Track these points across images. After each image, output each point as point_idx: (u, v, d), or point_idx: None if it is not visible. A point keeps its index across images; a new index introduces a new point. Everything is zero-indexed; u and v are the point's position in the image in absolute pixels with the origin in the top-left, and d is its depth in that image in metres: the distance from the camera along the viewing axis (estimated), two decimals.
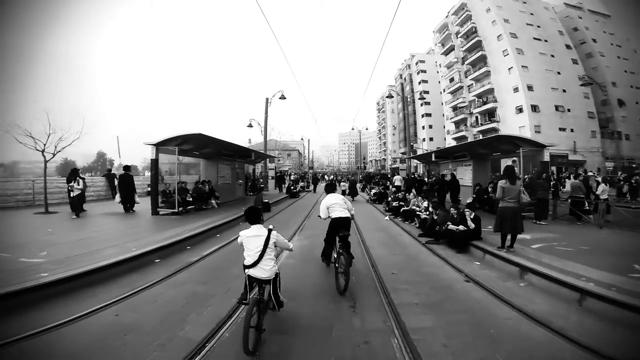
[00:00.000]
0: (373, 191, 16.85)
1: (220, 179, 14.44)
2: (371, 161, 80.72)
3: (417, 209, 10.46)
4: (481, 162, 13.97)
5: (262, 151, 21.48)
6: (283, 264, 6.17)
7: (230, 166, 15.47)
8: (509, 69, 39.40)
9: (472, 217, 7.36)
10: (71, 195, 10.05)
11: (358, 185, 24.55)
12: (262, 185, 20.84)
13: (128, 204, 11.65)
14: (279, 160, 26.83)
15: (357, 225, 10.05)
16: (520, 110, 38.11)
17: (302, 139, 46.15)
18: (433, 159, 15.32)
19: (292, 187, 20.23)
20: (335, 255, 5.18)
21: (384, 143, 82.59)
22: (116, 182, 16.97)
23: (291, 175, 35.79)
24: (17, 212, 11.64)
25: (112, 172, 18.33)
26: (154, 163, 10.91)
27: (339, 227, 5.23)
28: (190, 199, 11.84)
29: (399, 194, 12.57)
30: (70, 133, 12.23)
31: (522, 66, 38.50)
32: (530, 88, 38.02)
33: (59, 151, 12.08)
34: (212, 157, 14.08)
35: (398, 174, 23.33)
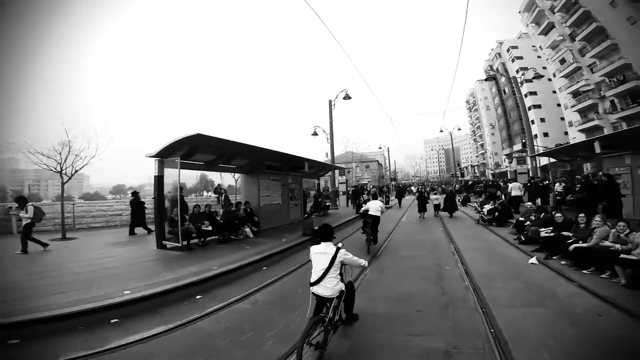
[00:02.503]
0: (486, 207, 11.14)
1: (263, 198, 10.88)
2: (466, 167, 69.64)
3: (615, 246, 4.88)
4: None
5: (327, 161, 17.59)
6: None
7: (279, 182, 11.86)
8: None
9: None
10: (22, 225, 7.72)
11: (457, 198, 18.54)
12: (327, 204, 16.72)
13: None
14: (349, 172, 22.67)
15: (476, 289, 4.94)
16: None
17: (380, 147, 41.11)
18: (598, 149, 8.94)
19: (362, 205, 15.57)
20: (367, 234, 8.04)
21: (481, 145, 70.92)
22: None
23: (370, 190, 30.97)
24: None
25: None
26: (158, 181, 7.95)
27: (368, 219, 8.20)
28: (210, 228, 8.49)
29: (555, 213, 6.90)
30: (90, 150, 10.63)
31: None
32: None
33: (77, 171, 10.56)
34: (251, 171, 10.67)
35: (515, 181, 16.55)
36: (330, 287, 3.14)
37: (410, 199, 30.95)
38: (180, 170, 7.96)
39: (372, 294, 4.77)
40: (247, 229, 9.37)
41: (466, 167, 68.66)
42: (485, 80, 18.73)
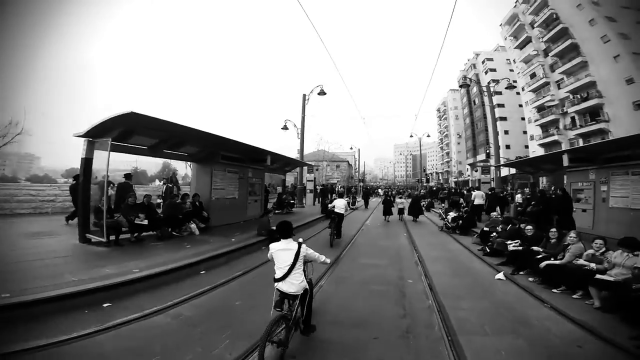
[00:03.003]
0: (451, 215, 10.85)
1: (216, 192, 9.79)
2: (431, 174, 71.79)
3: (589, 265, 4.49)
4: None
5: (295, 157, 16.72)
6: None
7: (237, 174, 10.80)
8: (614, 57, 30.50)
9: None
10: None
11: (422, 203, 18.44)
12: (292, 201, 15.84)
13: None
14: (317, 170, 21.94)
15: (441, 309, 4.30)
16: (639, 105, 28.73)
17: (351, 148, 40.82)
18: (566, 162, 8.83)
19: (329, 205, 14.87)
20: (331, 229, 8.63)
21: (447, 153, 73.28)
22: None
23: (338, 190, 30.27)
24: None
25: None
26: (85, 164, 6.68)
27: (334, 215, 8.90)
28: (146, 222, 7.34)
29: (525, 226, 6.48)
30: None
31: (634, 53, 29.39)
32: None
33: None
34: (204, 160, 9.55)
35: (479, 189, 16.65)
36: (296, 283, 3.06)
37: (377, 200, 30.90)
38: (130, 155, 6.81)
39: (324, 315, 3.99)
40: (193, 225, 8.28)
41: (431, 174, 70.74)
42: (461, 87, 18.83)
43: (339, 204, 9.20)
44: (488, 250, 7.22)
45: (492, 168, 17.83)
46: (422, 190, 32.15)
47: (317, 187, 27.38)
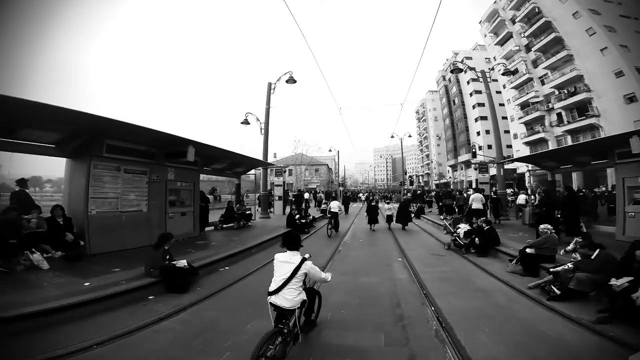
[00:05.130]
0: (461, 228, 7.69)
1: (98, 202, 6.08)
2: (412, 176, 70.01)
3: None
4: None
5: (247, 154, 13.16)
6: None
7: (144, 175, 7.12)
8: (601, 50, 29.28)
9: None
10: None
11: (410, 208, 15.48)
12: (247, 212, 12.14)
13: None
14: (286, 172, 18.52)
15: None
16: (631, 99, 27.35)
17: (330, 150, 37.66)
18: (637, 148, 5.85)
19: (297, 217, 11.50)
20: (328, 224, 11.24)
21: (427, 156, 71.72)
22: None
23: (320, 198, 26.33)
24: None
25: None
26: None
27: (329, 214, 11.61)
28: None
29: None
30: None
31: (621, 45, 28.24)
32: None
33: None
34: (79, 154, 5.90)
35: (478, 191, 13.64)
36: (289, 298, 2.88)
37: (358, 206, 27.79)
38: None
39: None
40: (36, 255, 4.64)
41: (412, 176, 68.88)
42: (452, 72, 16.25)
43: (334, 205, 11.59)
44: (557, 292, 4.01)
45: (493, 165, 15.10)
46: (408, 194, 29.41)
47: (292, 193, 23.90)
